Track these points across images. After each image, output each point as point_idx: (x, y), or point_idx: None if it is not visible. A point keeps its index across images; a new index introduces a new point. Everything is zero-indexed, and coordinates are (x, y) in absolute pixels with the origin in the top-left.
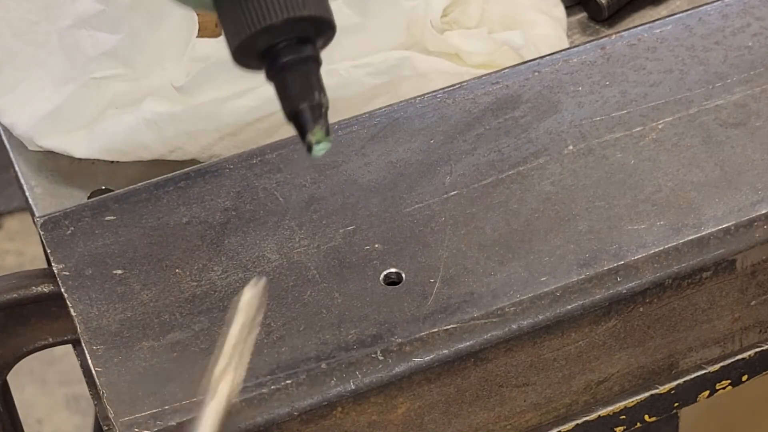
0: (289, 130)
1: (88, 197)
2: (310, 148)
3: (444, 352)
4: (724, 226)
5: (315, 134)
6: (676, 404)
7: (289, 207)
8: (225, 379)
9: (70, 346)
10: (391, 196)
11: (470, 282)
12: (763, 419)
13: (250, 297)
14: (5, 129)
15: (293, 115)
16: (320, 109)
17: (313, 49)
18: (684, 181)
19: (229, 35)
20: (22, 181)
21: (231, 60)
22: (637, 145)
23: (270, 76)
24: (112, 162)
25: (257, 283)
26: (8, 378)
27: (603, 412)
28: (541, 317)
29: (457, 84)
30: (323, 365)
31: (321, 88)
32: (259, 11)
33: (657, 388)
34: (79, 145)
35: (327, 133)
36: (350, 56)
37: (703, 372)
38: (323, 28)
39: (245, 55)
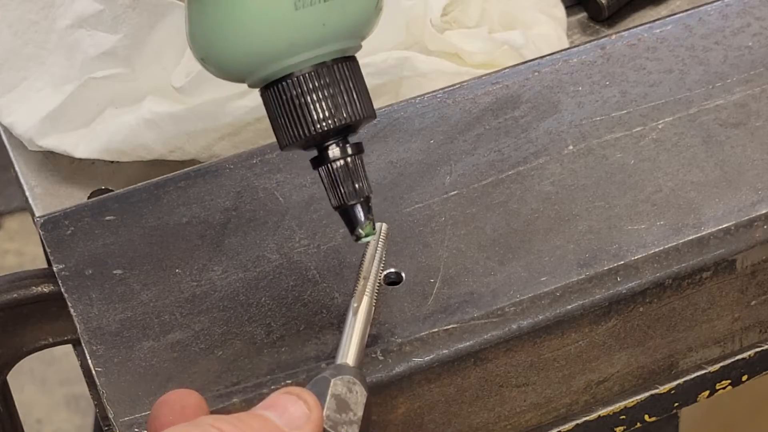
0: None
1: (88, 197)
2: (357, 239)
3: (444, 352)
4: (724, 226)
5: (365, 228)
6: (676, 404)
7: (289, 207)
8: (364, 299)
9: (70, 346)
10: (391, 196)
11: (470, 282)
12: (763, 419)
13: (378, 233)
14: (5, 129)
15: (343, 210)
16: (368, 204)
17: (357, 141)
18: (684, 181)
19: (278, 130)
20: (22, 181)
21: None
22: (637, 145)
23: (318, 168)
24: (112, 162)
25: (382, 227)
26: (8, 378)
27: (603, 412)
28: (541, 317)
29: (457, 84)
30: (323, 365)
31: (368, 182)
32: (312, 115)
33: (657, 388)
34: (79, 145)
35: (374, 227)
36: None
37: (703, 372)
38: (368, 121)
39: (293, 148)
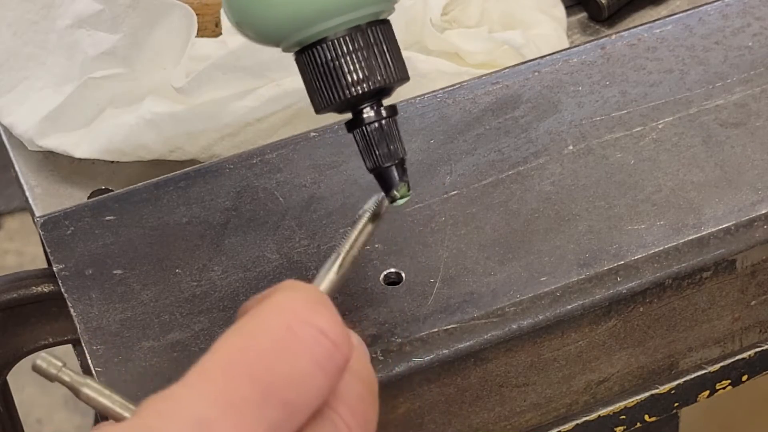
0: (289, 131)
1: (88, 197)
2: (393, 201)
3: (444, 352)
4: (724, 226)
5: (400, 190)
6: (676, 404)
7: (289, 207)
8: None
9: (70, 346)
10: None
11: (470, 282)
12: (763, 419)
13: (369, 206)
14: (5, 129)
15: (378, 172)
16: (403, 166)
17: (392, 104)
18: (684, 181)
19: (313, 94)
20: (22, 181)
21: (313, 111)
22: (637, 145)
23: (353, 131)
24: (112, 162)
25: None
26: (8, 378)
27: (603, 412)
28: (541, 317)
29: (457, 84)
30: None
31: (402, 144)
32: (347, 78)
33: (657, 388)
34: (79, 145)
35: (409, 188)
36: None
37: (703, 372)
38: (402, 83)
39: (328, 111)
